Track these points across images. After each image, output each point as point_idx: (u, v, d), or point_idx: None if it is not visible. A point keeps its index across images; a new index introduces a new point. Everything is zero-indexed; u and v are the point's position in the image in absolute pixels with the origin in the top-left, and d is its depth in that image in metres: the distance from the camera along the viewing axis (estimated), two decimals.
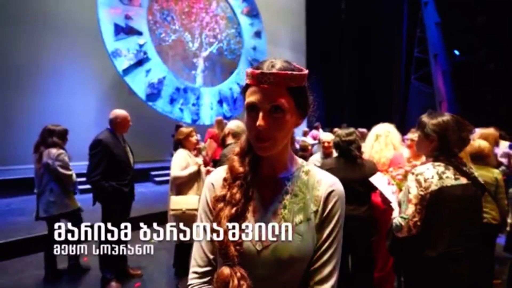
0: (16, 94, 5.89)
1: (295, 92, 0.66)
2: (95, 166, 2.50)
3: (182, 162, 2.61)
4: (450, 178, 1.33)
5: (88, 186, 5.21)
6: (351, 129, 2.14)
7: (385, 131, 2.45)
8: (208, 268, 0.70)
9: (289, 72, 0.64)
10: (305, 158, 3.66)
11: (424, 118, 1.44)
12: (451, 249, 1.30)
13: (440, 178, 1.32)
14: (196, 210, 2.41)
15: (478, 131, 2.99)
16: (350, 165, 2.05)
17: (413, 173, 1.38)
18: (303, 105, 0.69)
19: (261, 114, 0.64)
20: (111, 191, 2.55)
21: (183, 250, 2.62)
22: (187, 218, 2.44)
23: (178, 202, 2.48)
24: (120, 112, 2.69)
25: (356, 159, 2.07)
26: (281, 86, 0.65)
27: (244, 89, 0.70)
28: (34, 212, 2.74)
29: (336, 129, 5.49)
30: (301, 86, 0.67)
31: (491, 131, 3.08)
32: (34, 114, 6.05)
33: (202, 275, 0.70)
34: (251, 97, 0.66)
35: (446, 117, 1.39)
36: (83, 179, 5.34)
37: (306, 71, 0.68)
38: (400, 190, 1.90)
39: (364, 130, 4.63)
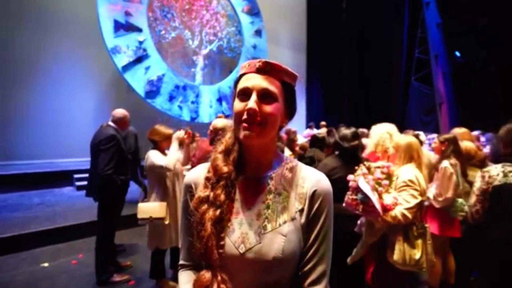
0: (15, 90, 5.85)
1: (287, 88, 0.69)
2: (109, 160, 2.51)
3: (160, 158, 2.48)
4: None
5: (86, 183, 5.21)
6: (353, 129, 2.14)
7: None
8: (190, 263, 0.75)
9: (284, 67, 0.68)
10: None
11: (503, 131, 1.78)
12: (509, 235, 1.58)
13: (505, 176, 1.62)
14: (163, 219, 2.34)
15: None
16: (352, 164, 2.03)
17: (481, 171, 1.73)
18: (291, 105, 0.72)
19: (253, 97, 0.65)
20: (120, 185, 2.60)
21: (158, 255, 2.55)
22: (156, 225, 2.40)
23: (145, 211, 2.38)
24: (126, 111, 2.84)
25: (358, 158, 2.07)
26: (276, 77, 0.67)
27: (237, 80, 0.70)
28: (37, 206, 2.85)
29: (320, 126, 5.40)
30: (292, 85, 0.71)
31: (465, 130, 3.01)
32: (32, 110, 6.04)
33: (186, 266, 0.76)
34: (245, 82, 0.67)
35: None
36: (83, 175, 5.37)
37: (297, 74, 0.73)
38: (380, 196, 1.70)
39: (365, 130, 4.59)
